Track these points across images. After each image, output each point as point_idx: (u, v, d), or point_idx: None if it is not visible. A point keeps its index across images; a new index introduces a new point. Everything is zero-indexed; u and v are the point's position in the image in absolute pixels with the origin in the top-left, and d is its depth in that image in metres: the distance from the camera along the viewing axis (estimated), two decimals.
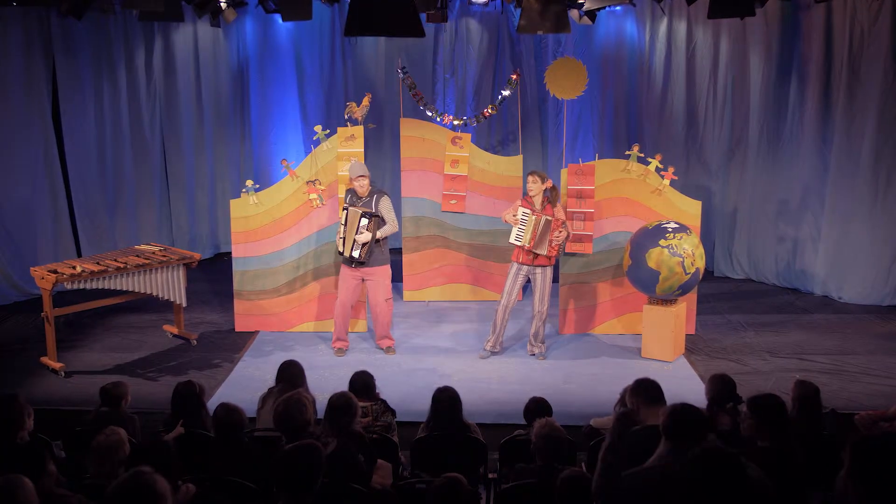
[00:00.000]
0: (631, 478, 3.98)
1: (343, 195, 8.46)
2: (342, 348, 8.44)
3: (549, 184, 8.00)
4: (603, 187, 8.62)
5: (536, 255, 7.97)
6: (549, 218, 7.91)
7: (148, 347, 8.58)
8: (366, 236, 7.95)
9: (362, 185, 8.05)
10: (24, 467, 3.77)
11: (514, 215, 7.97)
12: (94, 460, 4.47)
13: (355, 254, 7.99)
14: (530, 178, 7.98)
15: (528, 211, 7.92)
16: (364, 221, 7.93)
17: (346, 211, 8.07)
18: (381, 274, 8.21)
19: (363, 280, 8.24)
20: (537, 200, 7.99)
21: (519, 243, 7.95)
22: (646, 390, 4.83)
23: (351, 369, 5.98)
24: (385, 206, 8.07)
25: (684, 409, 4.03)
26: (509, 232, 7.74)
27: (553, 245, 7.93)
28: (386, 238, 8.11)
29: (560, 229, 7.95)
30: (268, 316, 8.94)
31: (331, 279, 8.89)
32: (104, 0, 8.98)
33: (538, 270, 8.04)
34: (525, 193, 8.12)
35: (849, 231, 9.84)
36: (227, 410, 4.92)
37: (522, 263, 8.05)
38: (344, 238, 8.05)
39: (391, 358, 8.30)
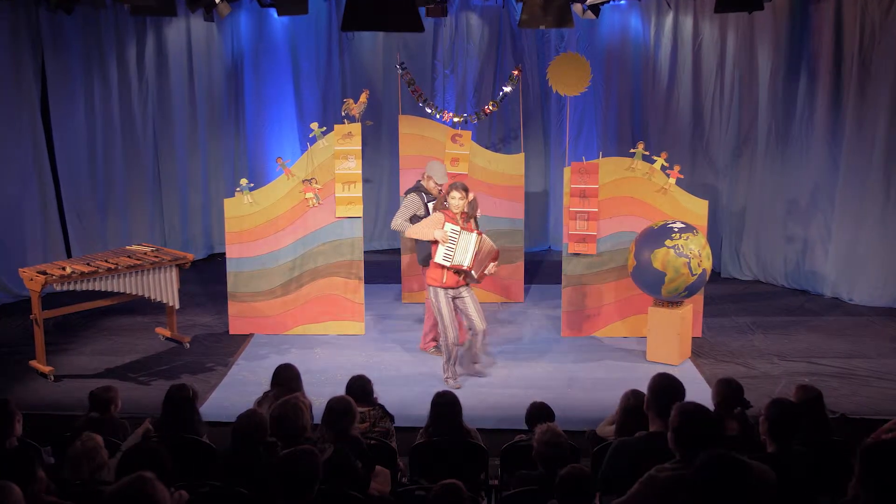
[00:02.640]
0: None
1: (342, 193, 8.51)
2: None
3: (470, 197, 7.44)
4: (607, 186, 8.54)
5: (464, 275, 7.36)
6: (486, 237, 7.40)
7: (139, 351, 8.50)
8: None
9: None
10: (12, 473, 3.78)
11: (442, 231, 7.25)
12: (70, 466, 4.47)
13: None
14: (457, 194, 7.29)
15: (456, 228, 7.29)
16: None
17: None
18: None
19: None
20: (459, 216, 7.37)
21: (447, 264, 7.26)
22: (663, 400, 4.39)
23: (348, 373, 5.94)
24: None
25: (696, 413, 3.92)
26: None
27: (486, 273, 7.39)
28: None
29: (497, 260, 7.40)
30: (263, 318, 8.86)
31: (327, 280, 8.82)
32: None
33: (463, 290, 7.43)
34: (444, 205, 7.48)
35: (860, 231, 9.76)
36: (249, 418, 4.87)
37: (449, 287, 7.36)
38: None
39: (389, 362, 8.22)
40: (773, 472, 3.87)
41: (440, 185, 8.00)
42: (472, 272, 7.33)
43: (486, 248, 7.37)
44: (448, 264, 7.28)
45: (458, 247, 7.27)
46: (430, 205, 8.01)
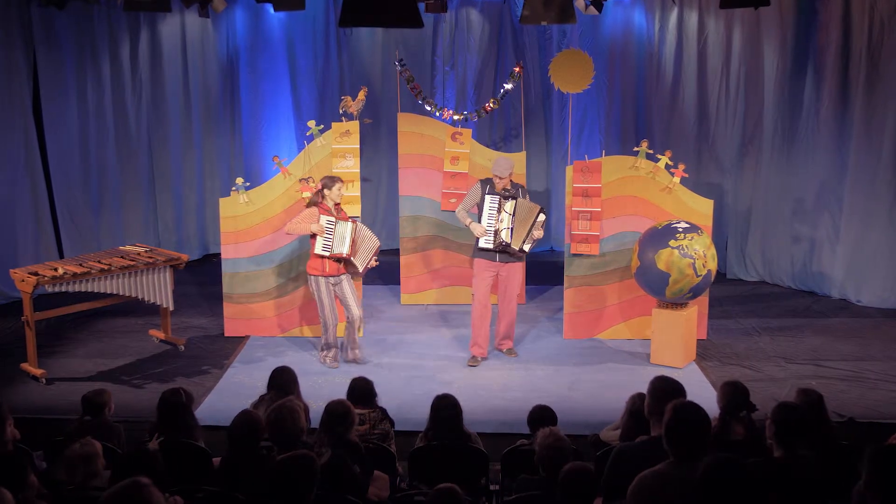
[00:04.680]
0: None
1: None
2: (480, 356, 8.14)
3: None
4: (610, 185, 8.49)
5: (344, 263, 7.82)
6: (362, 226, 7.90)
7: (133, 353, 8.44)
8: (542, 232, 7.90)
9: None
10: (4, 479, 3.79)
11: (318, 224, 7.68)
12: (65, 469, 4.49)
13: (527, 247, 7.91)
14: (341, 185, 7.80)
15: (332, 219, 7.72)
16: (542, 217, 7.85)
17: (513, 201, 7.79)
18: (520, 269, 8.21)
19: (496, 275, 8.08)
20: (334, 207, 7.82)
21: (327, 254, 7.70)
22: (664, 404, 4.27)
23: (346, 376, 5.97)
24: None
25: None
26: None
27: (368, 266, 7.87)
28: None
29: (378, 254, 7.92)
30: (259, 320, 8.79)
31: None
32: None
33: (343, 276, 7.90)
34: (319, 198, 7.84)
35: (868, 231, 9.70)
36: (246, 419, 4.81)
37: (330, 275, 7.81)
38: (512, 228, 7.79)
39: (388, 364, 8.11)
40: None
41: (500, 178, 7.91)
42: (353, 260, 7.79)
43: (365, 235, 7.87)
44: (328, 254, 7.73)
45: (336, 236, 7.72)
46: (488, 196, 7.91)
